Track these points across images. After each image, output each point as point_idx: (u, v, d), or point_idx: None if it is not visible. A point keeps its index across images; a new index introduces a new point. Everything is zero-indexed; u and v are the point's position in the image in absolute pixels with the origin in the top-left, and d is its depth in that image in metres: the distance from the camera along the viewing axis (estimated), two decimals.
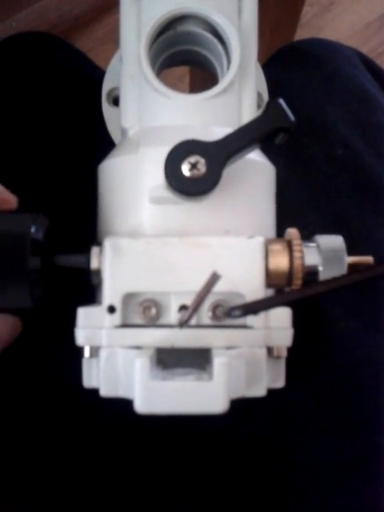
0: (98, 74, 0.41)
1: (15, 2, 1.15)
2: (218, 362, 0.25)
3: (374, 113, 0.44)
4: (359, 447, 0.35)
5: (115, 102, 0.39)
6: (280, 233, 0.33)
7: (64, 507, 0.34)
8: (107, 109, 0.39)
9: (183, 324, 0.25)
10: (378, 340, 0.37)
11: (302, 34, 1.02)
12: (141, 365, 0.25)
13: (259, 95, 0.39)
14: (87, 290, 0.31)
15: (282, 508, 0.34)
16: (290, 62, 0.47)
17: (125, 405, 0.26)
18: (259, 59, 0.37)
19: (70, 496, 0.35)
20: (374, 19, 1.26)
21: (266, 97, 0.40)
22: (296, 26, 0.86)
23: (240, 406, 0.27)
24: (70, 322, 0.29)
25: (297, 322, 0.29)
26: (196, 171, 0.28)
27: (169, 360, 0.30)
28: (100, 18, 1.16)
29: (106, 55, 0.39)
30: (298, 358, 0.30)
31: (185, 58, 0.38)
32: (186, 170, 0.27)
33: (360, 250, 0.31)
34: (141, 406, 0.25)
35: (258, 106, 0.38)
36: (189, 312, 0.25)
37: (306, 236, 0.31)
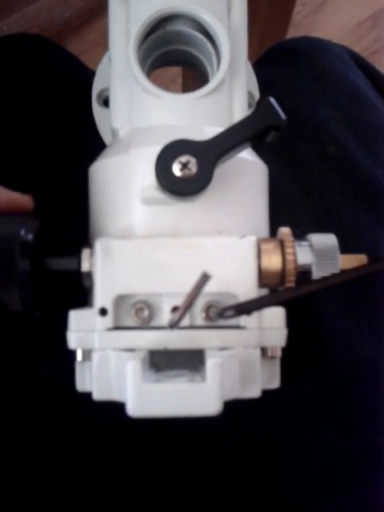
0: (89, 76, 0.41)
1: (6, 6, 1.15)
2: (211, 363, 0.24)
3: (366, 110, 0.44)
4: (356, 447, 0.35)
5: (106, 102, 0.39)
6: (273, 232, 0.33)
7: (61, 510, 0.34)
8: (98, 110, 0.39)
9: (174, 325, 0.25)
10: (373, 338, 0.37)
11: (293, 33, 1.02)
12: (132, 367, 0.24)
13: (250, 94, 0.39)
14: (79, 292, 0.31)
15: (278, 509, 0.34)
16: (281, 60, 0.47)
17: (119, 408, 0.25)
18: (250, 58, 0.37)
19: (67, 499, 0.34)
20: (366, 18, 1.26)
21: (257, 96, 0.40)
22: (287, 25, 0.86)
23: (235, 407, 0.27)
24: (62, 326, 0.29)
25: (292, 322, 0.29)
26: (187, 171, 0.27)
27: (162, 362, 0.29)
28: (92, 21, 1.16)
29: (98, 58, 0.39)
30: (293, 358, 0.30)
31: (175, 58, 0.38)
32: (176, 169, 0.27)
33: (353, 248, 0.31)
34: (133, 409, 0.24)
35: (250, 105, 0.38)
36: (179, 313, 0.25)
37: (299, 235, 0.31)
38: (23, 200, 0.31)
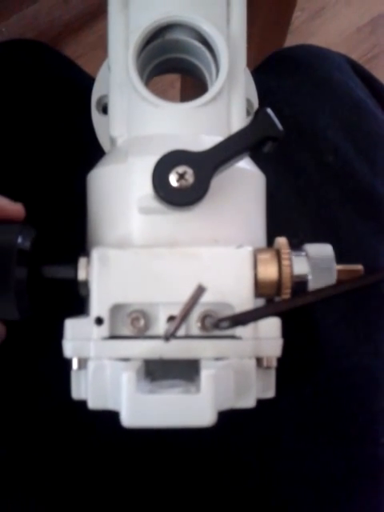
0: (88, 82, 0.41)
1: (6, 8, 1.15)
2: (205, 374, 0.25)
3: (364, 119, 0.44)
4: (352, 457, 0.35)
5: (105, 110, 0.39)
6: (270, 240, 0.33)
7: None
8: (97, 117, 0.39)
9: (169, 336, 0.25)
10: (370, 348, 0.37)
11: (292, 39, 1.02)
12: (127, 378, 0.24)
13: (249, 102, 0.39)
14: (75, 301, 0.31)
15: None
16: (280, 68, 0.47)
17: (115, 416, 0.25)
18: (249, 66, 0.37)
19: (64, 504, 0.34)
20: (365, 24, 1.26)
21: (255, 103, 0.40)
22: (286, 31, 0.86)
23: (231, 416, 0.27)
24: (58, 334, 0.29)
25: (288, 331, 0.29)
26: (184, 181, 0.27)
27: (157, 371, 0.30)
28: (91, 24, 1.16)
29: (96, 61, 0.39)
30: (289, 367, 0.30)
31: (174, 66, 0.38)
32: (173, 180, 0.27)
33: (350, 258, 0.31)
34: (127, 420, 0.24)
35: (248, 113, 0.38)
36: (175, 324, 0.25)
37: (296, 244, 0.31)
38: (13, 207, 0.31)
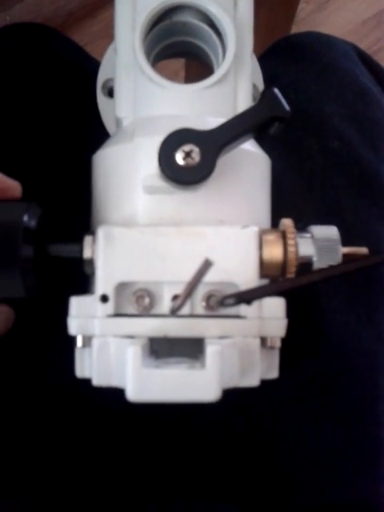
0: (94, 66, 0.41)
1: None
2: (211, 350, 0.25)
3: (370, 106, 0.44)
4: (354, 438, 0.35)
5: (110, 93, 0.39)
6: (275, 225, 0.33)
7: (60, 499, 0.34)
8: (102, 100, 0.39)
9: (175, 311, 0.25)
10: (373, 332, 0.37)
11: (297, 30, 1.02)
12: (133, 352, 0.24)
13: (255, 87, 0.39)
14: (81, 279, 0.31)
15: (276, 498, 0.34)
16: (286, 55, 0.47)
17: (120, 394, 0.26)
18: (255, 53, 0.37)
19: (65, 487, 0.34)
20: (370, 16, 1.26)
21: (261, 89, 0.40)
22: (291, 22, 0.86)
23: (234, 396, 0.27)
24: (63, 312, 0.29)
25: (292, 314, 0.29)
26: (190, 160, 0.27)
27: (162, 350, 0.30)
28: (95, 13, 1.15)
29: (100, 50, 0.39)
30: (293, 349, 0.30)
31: (180, 50, 0.38)
32: (179, 158, 0.27)
33: (355, 243, 0.31)
34: (132, 394, 0.24)
35: (254, 98, 0.38)
36: (181, 299, 0.25)
37: (301, 228, 0.31)
38: (10, 182, 0.30)
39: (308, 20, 1.22)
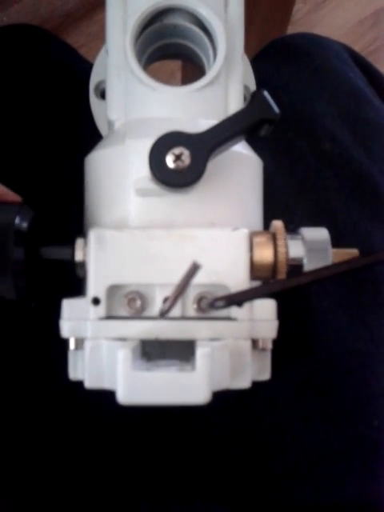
0: (87, 68, 0.41)
1: None
2: (201, 352, 0.25)
3: (362, 107, 0.44)
4: (345, 439, 0.35)
5: (103, 95, 0.39)
6: (267, 226, 0.33)
7: (56, 498, 0.34)
8: (95, 102, 0.39)
9: (165, 313, 0.25)
10: (365, 333, 0.37)
11: (294, 31, 1.01)
12: (123, 355, 0.25)
13: (247, 88, 0.39)
14: (73, 282, 0.31)
15: (267, 498, 0.34)
16: (279, 55, 0.47)
17: (113, 396, 0.26)
18: (249, 54, 0.37)
19: (60, 487, 0.35)
20: (367, 16, 1.26)
21: (253, 90, 0.40)
22: (287, 22, 0.86)
23: (225, 398, 0.27)
24: (56, 315, 0.29)
25: (284, 315, 0.29)
26: (180, 163, 0.27)
27: (154, 353, 0.30)
28: (92, 14, 1.16)
29: (97, 50, 0.39)
30: (284, 350, 0.30)
31: (172, 52, 0.38)
32: (170, 161, 0.27)
33: (346, 244, 0.31)
34: (123, 397, 0.25)
35: (245, 99, 0.38)
36: (169, 301, 0.25)
37: (292, 229, 0.31)
38: (12, 196, 0.31)
39: (304, 20, 1.22)
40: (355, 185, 0.41)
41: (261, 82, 0.39)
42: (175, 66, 0.99)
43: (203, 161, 0.27)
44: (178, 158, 0.27)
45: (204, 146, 0.27)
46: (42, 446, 0.35)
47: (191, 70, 0.79)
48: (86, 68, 0.44)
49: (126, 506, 0.33)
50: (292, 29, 0.89)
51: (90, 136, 0.36)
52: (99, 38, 1.12)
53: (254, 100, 0.28)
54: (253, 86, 0.40)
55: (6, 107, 0.42)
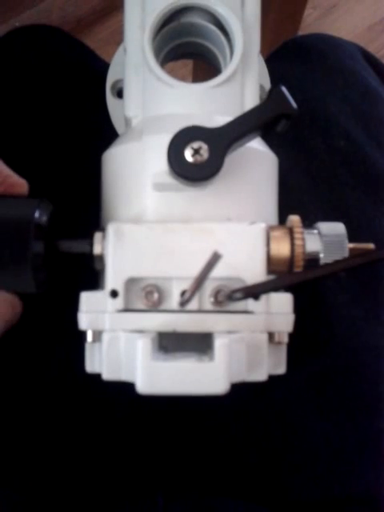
0: (103, 67, 0.42)
1: (19, 3, 1.16)
2: (219, 343, 0.25)
3: (376, 106, 0.44)
4: (360, 433, 0.35)
5: (119, 94, 0.40)
6: (282, 223, 0.33)
7: (68, 491, 0.34)
8: (111, 101, 0.40)
9: (184, 304, 0.26)
10: (379, 328, 0.37)
11: None
12: (143, 345, 0.25)
13: (262, 88, 0.40)
14: (90, 275, 0.32)
15: (281, 491, 0.34)
16: (293, 56, 0.47)
17: (130, 389, 0.26)
18: (262, 56, 0.38)
19: (78, 478, 0.35)
20: (377, 22, 1.26)
21: (268, 89, 0.40)
22: (298, 28, 0.87)
23: (241, 392, 0.27)
24: (73, 307, 0.29)
25: (300, 310, 0.30)
26: (199, 157, 0.28)
27: (170, 346, 0.30)
28: (103, 20, 1.17)
29: (108, 56, 0.40)
30: (300, 345, 0.31)
31: (188, 50, 0.39)
32: (188, 155, 0.28)
33: (360, 239, 0.31)
34: (142, 387, 0.25)
35: (261, 99, 0.38)
36: (190, 291, 0.25)
37: (308, 225, 0.31)
38: (13, 178, 0.31)
39: (314, 25, 1.23)
40: (369, 182, 0.41)
41: (275, 81, 0.40)
42: (186, 71, 1.00)
43: (221, 155, 0.28)
44: (196, 152, 0.28)
45: (222, 141, 0.28)
46: (56, 438, 0.35)
47: (202, 75, 0.79)
48: (101, 66, 0.45)
49: (142, 497, 0.33)
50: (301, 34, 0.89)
51: (105, 133, 0.36)
52: (110, 43, 1.13)
53: (272, 95, 0.28)
54: (268, 86, 0.40)
55: (24, 105, 0.42)
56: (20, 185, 0.31)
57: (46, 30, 0.47)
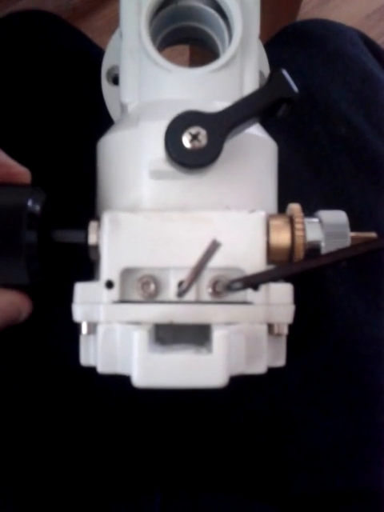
0: (98, 53, 0.41)
1: None
2: (218, 334, 0.24)
3: (377, 92, 0.43)
4: (362, 426, 0.35)
5: (115, 80, 0.39)
6: (281, 211, 0.32)
7: (66, 486, 0.34)
8: (106, 87, 0.39)
9: (182, 294, 0.25)
10: (380, 319, 0.37)
11: None
12: (139, 337, 0.24)
13: (261, 74, 0.39)
14: (85, 266, 0.31)
15: (283, 487, 0.34)
16: (293, 41, 0.46)
17: (126, 382, 0.25)
18: (261, 42, 0.37)
19: (74, 472, 0.34)
20: (374, 11, 1.25)
21: (267, 75, 0.39)
22: (295, 16, 0.86)
23: (241, 384, 0.27)
24: (68, 299, 0.29)
25: (300, 301, 0.29)
26: (197, 143, 0.27)
27: (167, 338, 0.29)
28: (99, 9, 1.15)
29: (103, 45, 0.39)
30: (300, 336, 0.30)
31: (186, 35, 0.38)
32: (186, 141, 0.27)
33: (362, 229, 0.30)
34: (138, 380, 0.24)
35: (260, 86, 0.37)
36: (188, 280, 0.24)
37: (308, 214, 0.30)
38: (16, 168, 0.30)
39: (312, 14, 1.21)
40: (371, 169, 0.40)
41: (275, 67, 0.39)
42: (182, 58, 0.98)
43: (220, 140, 0.27)
44: (194, 137, 0.27)
45: (221, 126, 0.27)
46: (52, 432, 0.35)
47: (199, 63, 0.78)
48: (96, 52, 0.44)
49: (140, 494, 0.33)
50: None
51: (101, 120, 0.35)
52: (106, 32, 1.11)
53: (272, 78, 0.27)
54: (267, 72, 0.39)
55: (18, 92, 0.42)
56: (22, 173, 0.30)
57: (43, 16, 0.46)
